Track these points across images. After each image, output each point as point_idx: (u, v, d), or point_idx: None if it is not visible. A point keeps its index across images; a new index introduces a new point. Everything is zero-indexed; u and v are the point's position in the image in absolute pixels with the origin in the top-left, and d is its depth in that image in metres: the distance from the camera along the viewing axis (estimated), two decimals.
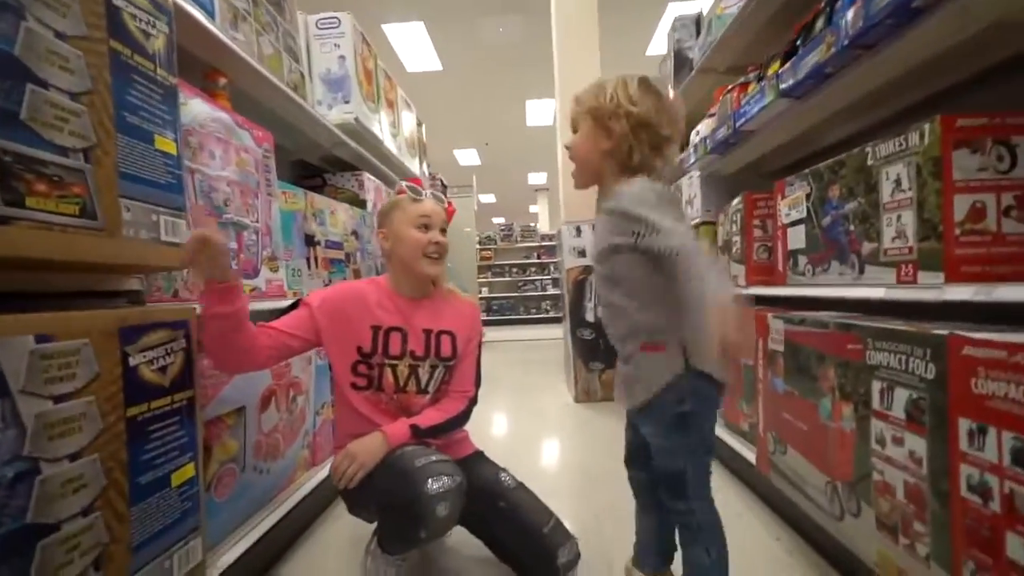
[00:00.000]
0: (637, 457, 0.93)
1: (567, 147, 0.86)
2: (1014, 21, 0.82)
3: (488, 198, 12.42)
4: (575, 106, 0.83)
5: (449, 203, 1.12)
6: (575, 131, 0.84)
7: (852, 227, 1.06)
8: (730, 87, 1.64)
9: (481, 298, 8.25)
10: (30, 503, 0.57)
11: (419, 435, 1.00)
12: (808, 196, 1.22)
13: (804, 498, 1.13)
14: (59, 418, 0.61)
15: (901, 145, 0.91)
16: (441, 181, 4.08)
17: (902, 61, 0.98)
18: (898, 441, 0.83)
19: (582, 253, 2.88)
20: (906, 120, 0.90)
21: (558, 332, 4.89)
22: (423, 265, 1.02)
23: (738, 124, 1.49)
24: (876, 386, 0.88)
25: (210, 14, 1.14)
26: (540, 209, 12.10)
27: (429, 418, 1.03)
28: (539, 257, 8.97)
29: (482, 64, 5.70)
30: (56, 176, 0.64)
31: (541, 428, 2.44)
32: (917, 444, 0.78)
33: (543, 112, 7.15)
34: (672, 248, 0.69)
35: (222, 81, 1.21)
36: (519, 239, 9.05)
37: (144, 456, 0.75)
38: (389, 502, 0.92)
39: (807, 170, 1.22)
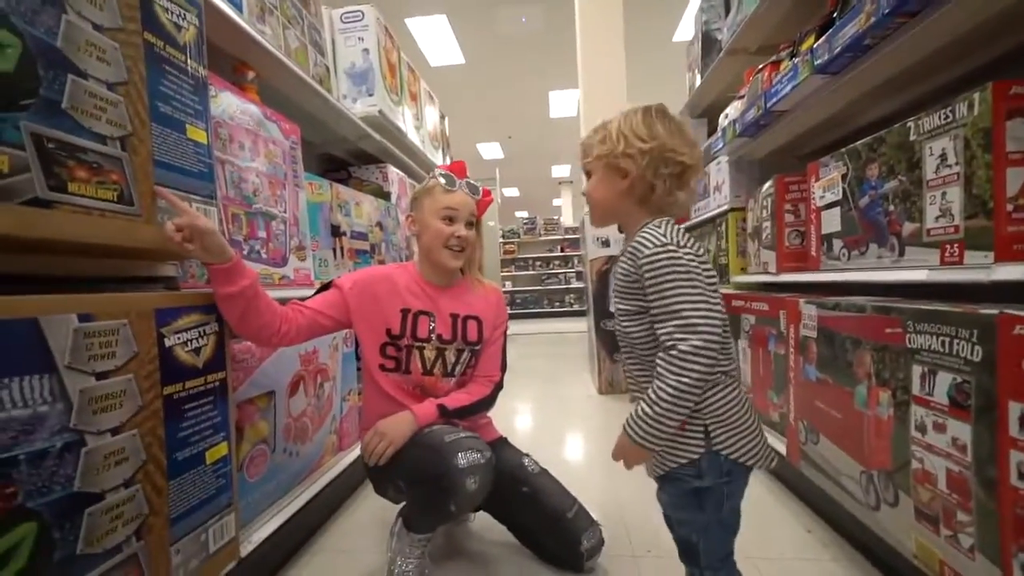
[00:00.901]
0: None
1: (583, 193, 0.82)
2: None
3: (511, 192, 12.39)
4: (583, 155, 0.79)
5: (486, 192, 1.11)
6: (588, 177, 0.80)
7: (892, 207, 1.01)
8: (761, 66, 1.58)
9: (504, 292, 8.28)
10: (77, 472, 0.61)
11: (446, 416, 1.02)
12: (844, 176, 1.17)
13: (838, 488, 1.09)
14: (102, 393, 0.65)
15: (947, 117, 0.86)
16: None
17: (950, 29, 0.92)
18: (940, 428, 0.78)
19: (605, 243, 2.84)
20: (956, 92, 0.84)
21: (582, 326, 4.86)
22: (444, 256, 1.03)
23: (769, 104, 1.43)
24: (916, 371, 0.83)
25: (238, 8, 1.17)
26: (563, 202, 11.99)
27: (456, 400, 1.04)
28: (562, 250, 8.90)
29: (505, 56, 5.68)
30: (95, 163, 0.67)
31: (565, 418, 2.43)
32: (961, 430, 0.74)
33: (566, 103, 7.07)
34: (683, 347, 0.63)
35: (251, 75, 1.24)
36: (542, 232, 9.00)
37: (180, 433, 0.79)
38: (419, 477, 0.94)
39: (843, 149, 1.16)
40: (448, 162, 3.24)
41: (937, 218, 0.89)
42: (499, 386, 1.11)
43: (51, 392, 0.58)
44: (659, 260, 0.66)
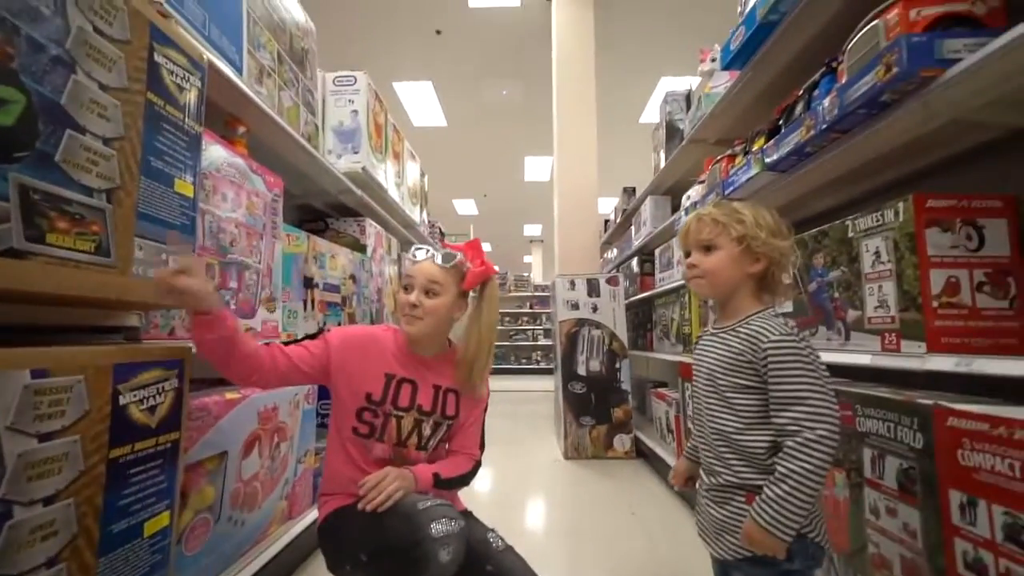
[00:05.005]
0: None
1: (693, 264, 0.85)
2: (968, 120, 0.91)
3: (484, 247, 12.61)
4: (708, 229, 0.83)
5: (482, 261, 1.10)
6: (707, 249, 0.83)
7: (837, 294, 1.11)
8: (718, 158, 1.76)
9: None
10: None
11: (439, 485, 0.99)
12: (794, 263, 1.28)
13: None
14: (41, 458, 0.60)
15: (879, 220, 0.97)
16: (440, 229, 4.18)
17: (877, 145, 1.07)
18: (892, 512, 0.82)
19: (575, 306, 2.92)
20: (890, 192, 0.97)
21: (549, 384, 4.83)
22: (403, 324, 1.02)
23: (727, 191, 1.58)
24: (867, 454, 0.88)
25: (238, 70, 1.23)
26: (534, 260, 12.37)
27: (448, 470, 1.01)
28: (531, 307, 9.04)
29: (485, 121, 6.04)
30: (78, 214, 0.66)
31: (529, 486, 2.36)
32: (911, 516, 0.78)
33: (540, 168, 7.49)
34: (809, 435, 0.67)
35: (241, 129, 1.27)
36: (512, 288, 9.16)
37: (120, 502, 0.72)
38: (386, 546, 0.87)
39: (793, 237, 1.28)
40: (424, 216, 3.32)
41: (876, 308, 0.98)
42: (479, 464, 1.09)
43: None
44: (785, 348, 0.72)
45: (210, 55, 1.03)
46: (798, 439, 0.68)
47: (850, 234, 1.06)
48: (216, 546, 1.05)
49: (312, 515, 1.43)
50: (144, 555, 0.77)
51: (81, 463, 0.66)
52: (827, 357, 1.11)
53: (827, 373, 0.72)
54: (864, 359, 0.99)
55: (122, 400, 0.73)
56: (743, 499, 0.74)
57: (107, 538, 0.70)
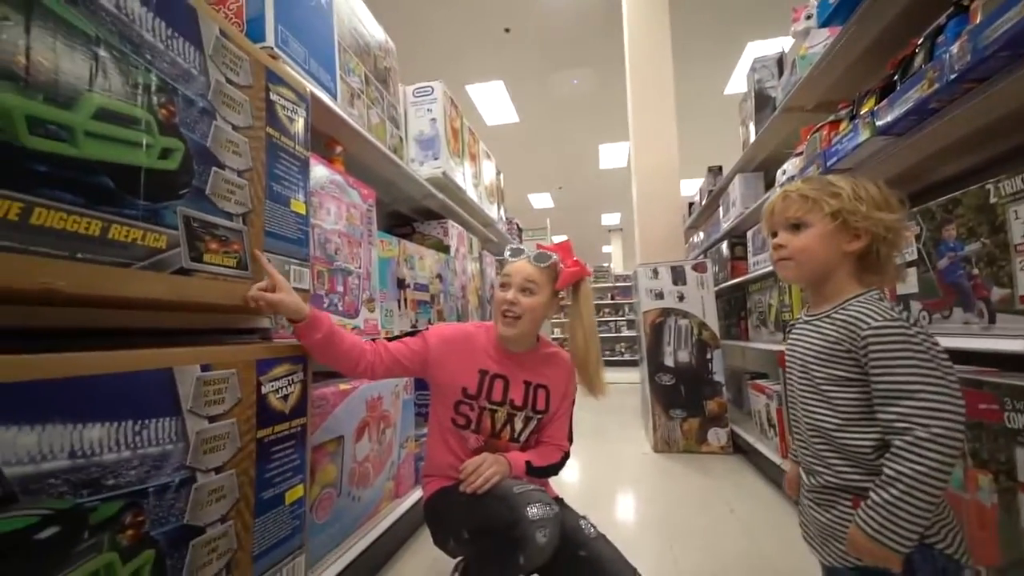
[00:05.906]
0: None
1: (781, 245, 0.77)
2: None
3: (561, 239, 12.57)
4: (799, 204, 0.74)
5: (573, 263, 1.10)
6: (795, 228, 0.75)
7: (976, 270, 0.96)
8: (819, 125, 1.58)
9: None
10: (188, 506, 0.69)
11: (530, 473, 1.03)
12: (918, 237, 1.12)
13: None
14: (211, 435, 0.74)
15: None
16: (517, 225, 4.25)
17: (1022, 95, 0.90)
18: None
19: (659, 295, 2.81)
20: None
21: (633, 376, 4.71)
22: (499, 323, 1.06)
23: (829, 163, 1.42)
24: (1021, 454, 0.76)
25: (334, 96, 1.37)
26: (613, 249, 12.05)
27: (539, 459, 1.06)
28: (612, 298, 8.83)
29: (557, 113, 5.99)
30: (224, 236, 0.80)
31: (618, 478, 2.33)
32: None
33: (616, 155, 7.25)
34: (921, 434, 0.59)
35: (339, 148, 1.42)
36: (592, 280, 9.03)
37: (267, 474, 0.86)
38: (487, 526, 0.92)
39: (915, 209, 1.13)
40: (502, 213, 3.40)
41: None
42: (567, 455, 1.12)
43: (176, 433, 0.68)
44: (890, 334, 0.64)
45: (311, 86, 1.16)
46: (908, 438, 0.60)
47: (992, 199, 0.91)
48: (339, 517, 1.20)
49: (415, 495, 1.57)
50: (286, 519, 0.91)
51: (238, 441, 0.79)
52: (965, 343, 0.97)
53: (948, 362, 0.62)
54: (1016, 345, 0.85)
55: (263, 390, 0.86)
56: (849, 503, 0.68)
57: (260, 503, 0.84)
